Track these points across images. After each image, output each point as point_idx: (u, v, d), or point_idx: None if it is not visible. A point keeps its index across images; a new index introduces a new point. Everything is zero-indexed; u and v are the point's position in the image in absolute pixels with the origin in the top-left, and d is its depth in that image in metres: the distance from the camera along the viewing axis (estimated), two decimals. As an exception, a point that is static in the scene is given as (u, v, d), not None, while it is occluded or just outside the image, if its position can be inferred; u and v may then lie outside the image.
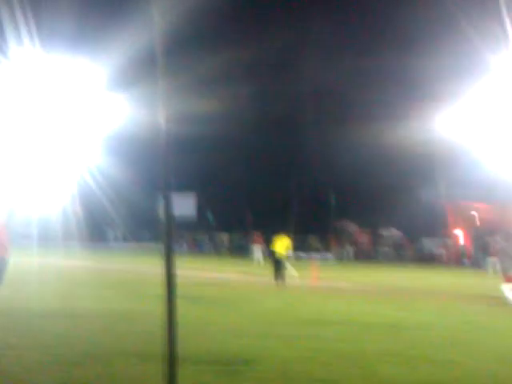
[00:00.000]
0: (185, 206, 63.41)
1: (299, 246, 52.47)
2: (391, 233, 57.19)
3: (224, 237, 64.18)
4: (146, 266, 28.55)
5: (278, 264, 24.53)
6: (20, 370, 7.81)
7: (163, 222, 3.64)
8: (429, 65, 39.39)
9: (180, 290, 14.80)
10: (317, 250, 56.44)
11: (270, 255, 27.31)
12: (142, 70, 26.31)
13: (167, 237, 3.46)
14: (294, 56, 54.56)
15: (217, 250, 61.16)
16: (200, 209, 65.58)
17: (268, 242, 33.31)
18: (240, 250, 57.32)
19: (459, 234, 54.72)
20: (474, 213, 55.44)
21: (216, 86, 44.51)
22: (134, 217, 43.50)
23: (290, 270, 25.19)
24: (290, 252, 25.44)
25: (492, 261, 36.57)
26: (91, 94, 36.68)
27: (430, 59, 39.87)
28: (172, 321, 3.46)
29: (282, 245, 24.99)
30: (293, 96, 55.05)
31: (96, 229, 58.11)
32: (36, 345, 9.34)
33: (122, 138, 38.63)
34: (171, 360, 3.35)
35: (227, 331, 11.31)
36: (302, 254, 50.89)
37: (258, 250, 44.51)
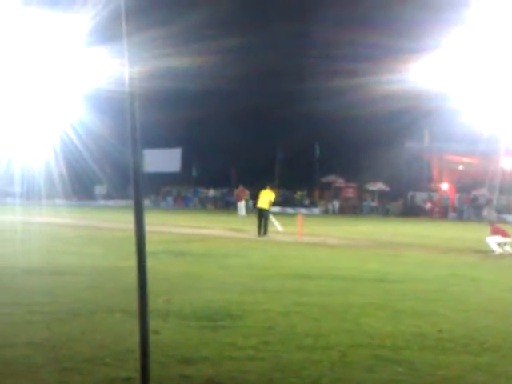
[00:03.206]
0: (170, 161, 63.40)
1: (286, 202, 52.72)
2: (377, 187, 57.38)
3: (209, 192, 64.32)
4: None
5: (261, 218, 24.67)
6: (4, 327, 7.78)
7: (132, 177, 3.59)
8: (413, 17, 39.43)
9: (165, 246, 14.81)
10: (303, 205, 56.65)
11: (255, 210, 27.44)
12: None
13: (136, 193, 3.41)
14: (278, 8, 54.05)
15: (202, 206, 61.23)
16: (186, 164, 65.50)
17: (254, 197, 33.42)
18: (225, 206, 57.45)
19: (445, 187, 54.97)
20: (459, 166, 55.70)
21: (200, 41, 44.08)
22: (121, 173, 43.19)
23: (276, 224, 25.24)
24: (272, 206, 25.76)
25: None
26: (71, 49, 36.16)
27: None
28: (143, 276, 3.43)
29: (266, 199, 25.06)
30: (279, 50, 54.68)
31: (83, 186, 58.02)
32: (21, 302, 9.27)
33: (105, 93, 38.30)
34: (143, 314, 3.33)
35: (212, 286, 11.29)
36: (289, 209, 51.10)
37: (242, 205, 44.62)
